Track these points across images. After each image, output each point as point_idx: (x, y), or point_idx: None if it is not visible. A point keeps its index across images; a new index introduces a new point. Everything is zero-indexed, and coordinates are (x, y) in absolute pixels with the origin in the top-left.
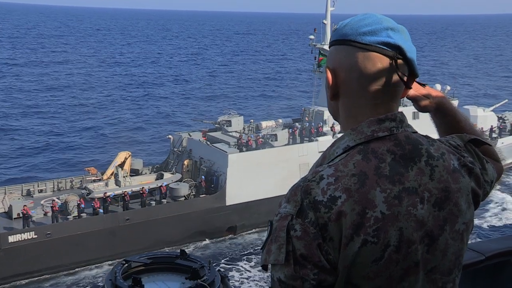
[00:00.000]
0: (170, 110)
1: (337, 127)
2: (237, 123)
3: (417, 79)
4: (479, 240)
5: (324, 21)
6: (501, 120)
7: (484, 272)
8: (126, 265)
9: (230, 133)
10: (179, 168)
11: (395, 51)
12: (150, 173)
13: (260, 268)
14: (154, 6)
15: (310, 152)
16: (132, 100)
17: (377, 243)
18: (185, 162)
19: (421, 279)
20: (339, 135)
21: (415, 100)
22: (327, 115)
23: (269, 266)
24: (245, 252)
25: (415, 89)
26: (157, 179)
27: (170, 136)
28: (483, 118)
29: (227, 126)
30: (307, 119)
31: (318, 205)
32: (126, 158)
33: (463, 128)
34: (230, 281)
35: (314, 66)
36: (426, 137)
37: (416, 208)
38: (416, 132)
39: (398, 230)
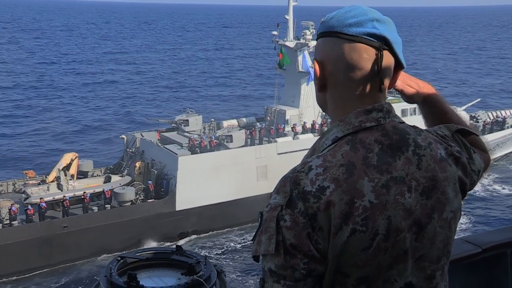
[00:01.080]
0: (129, 109)
1: (299, 128)
2: (195, 122)
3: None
4: (475, 232)
5: (286, 16)
6: (474, 119)
7: (481, 264)
8: (122, 261)
9: (188, 133)
10: (132, 170)
11: (381, 42)
12: (102, 175)
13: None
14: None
15: (268, 154)
16: (91, 97)
17: (366, 232)
18: (137, 164)
19: (410, 267)
20: (300, 136)
21: (403, 92)
22: (289, 114)
23: (260, 256)
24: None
25: (402, 80)
26: (105, 182)
27: (123, 136)
28: None
29: (184, 125)
30: (269, 118)
31: (307, 195)
32: (72, 160)
33: (451, 119)
34: (226, 276)
35: (277, 64)
36: (414, 127)
37: (404, 197)
38: (404, 122)
39: (387, 219)
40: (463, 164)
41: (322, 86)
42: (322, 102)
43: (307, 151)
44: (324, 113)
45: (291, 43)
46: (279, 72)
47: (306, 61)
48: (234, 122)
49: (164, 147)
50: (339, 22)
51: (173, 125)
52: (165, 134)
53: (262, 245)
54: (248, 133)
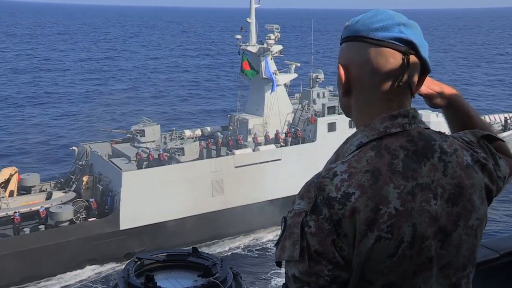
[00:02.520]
0: (91, 118)
1: (261, 138)
2: (152, 133)
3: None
4: (493, 237)
5: (248, 20)
6: None
7: (499, 270)
8: (139, 262)
9: (144, 145)
10: (80, 184)
11: (408, 46)
12: (53, 190)
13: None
14: (139, 2)
15: (225, 168)
16: (48, 106)
17: (391, 239)
18: (84, 179)
19: (435, 275)
20: (261, 148)
21: (427, 96)
22: (252, 124)
23: (284, 262)
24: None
25: (427, 85)
26: (47, 199)
27: (74, 148)
28: (437, 124)
29: (140, 136)
30: (231, 128)
31: (332, 202)
32: (11, 175)
33: (476, 124)
34: (243, 279)
35: (240, 69)
36: (439, 133)
37: (429, 204)
38: (429, 128)
39: (412, 226)
40: (489, 170)
41: (346, 91)
42: (346, 107)
43: (330, 156)
44: (290, 122)
45: (253, 48)
46: (242, 78)
47: (269, 68)
48: (197, 131)
49: (110, 161)
50: (364, 27)
51: (128, 135)
52: (117, 146)
53: (286, 251)
54: (204, 144)
